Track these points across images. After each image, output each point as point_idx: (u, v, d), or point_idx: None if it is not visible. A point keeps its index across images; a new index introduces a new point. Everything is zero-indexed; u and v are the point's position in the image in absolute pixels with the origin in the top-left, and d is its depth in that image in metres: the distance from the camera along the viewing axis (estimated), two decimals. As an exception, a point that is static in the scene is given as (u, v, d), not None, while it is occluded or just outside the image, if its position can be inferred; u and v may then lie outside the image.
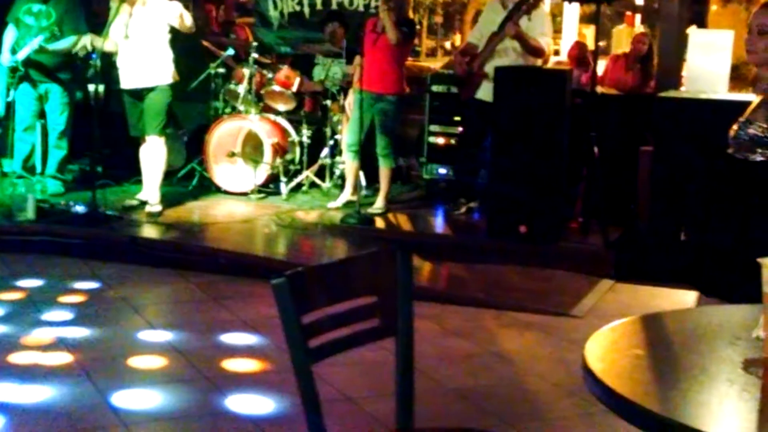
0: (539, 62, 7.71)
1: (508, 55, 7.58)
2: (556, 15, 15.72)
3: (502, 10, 7.64)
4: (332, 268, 2.78)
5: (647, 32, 10.22)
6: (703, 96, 6.68)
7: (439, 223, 8.10)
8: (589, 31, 14.25)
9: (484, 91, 7.64)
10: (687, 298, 5.99)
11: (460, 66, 7.87)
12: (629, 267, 6.73)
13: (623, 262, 6.77)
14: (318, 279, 2.63)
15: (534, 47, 7.46)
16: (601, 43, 10.09)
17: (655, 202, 6.84)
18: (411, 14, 8.02)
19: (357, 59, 7.90)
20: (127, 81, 7.67)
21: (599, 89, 8.43)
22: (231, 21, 10.84)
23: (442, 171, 8.71)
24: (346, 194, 8.10)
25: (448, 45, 20.51)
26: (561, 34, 15.00)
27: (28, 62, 8.08)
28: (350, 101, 8.19)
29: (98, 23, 8.64)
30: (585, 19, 15.52)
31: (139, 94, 7.68)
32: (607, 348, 2.44)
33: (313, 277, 2.62)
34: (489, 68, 7.53)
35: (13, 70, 8.09)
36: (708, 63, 6.91)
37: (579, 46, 10.44)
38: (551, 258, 6.92)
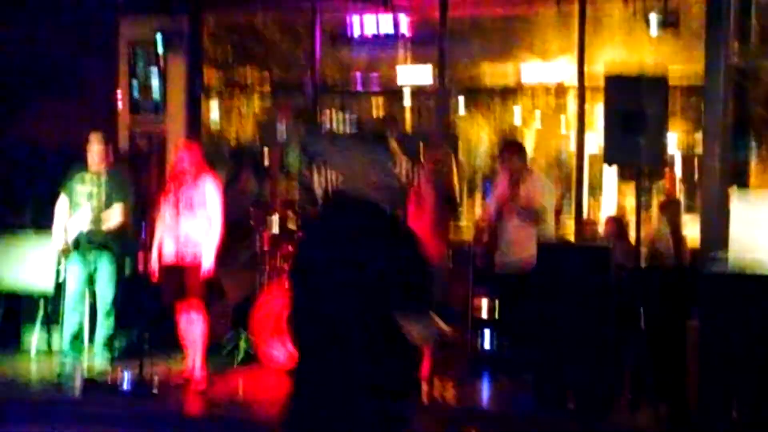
0: (551, 224, 8.05)
1: (515, 225, 7.87)
2: (594, 186, 15.78)
3: (508, 184, 8.01)
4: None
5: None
6: (749, 272, 6.67)
7: (485, 395, 8.05)
8: (629, 188, 14.21)
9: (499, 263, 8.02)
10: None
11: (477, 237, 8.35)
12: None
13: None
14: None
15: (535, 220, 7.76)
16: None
17: (705, 378, 6.77)
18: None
19: None
20: (171, 254, 7.79)
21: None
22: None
23: (487, 341, 8.68)
24: None
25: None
26: (599, 203, 15.01)
27: (78, 237, 8.26)
28: None
29: (148, 196, 8.91)
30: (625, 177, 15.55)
31: (181, 267, 7.78)
32: None
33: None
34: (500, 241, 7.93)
35: (65, 250, 8.27)
36: (752, 225, 6.88)
37: (615, 222, 10.32)
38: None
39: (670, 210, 9.82)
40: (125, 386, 7.62)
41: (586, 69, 9.51)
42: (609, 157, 7.88)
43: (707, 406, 6.67)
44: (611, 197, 13.82)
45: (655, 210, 9.92)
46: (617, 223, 10.20)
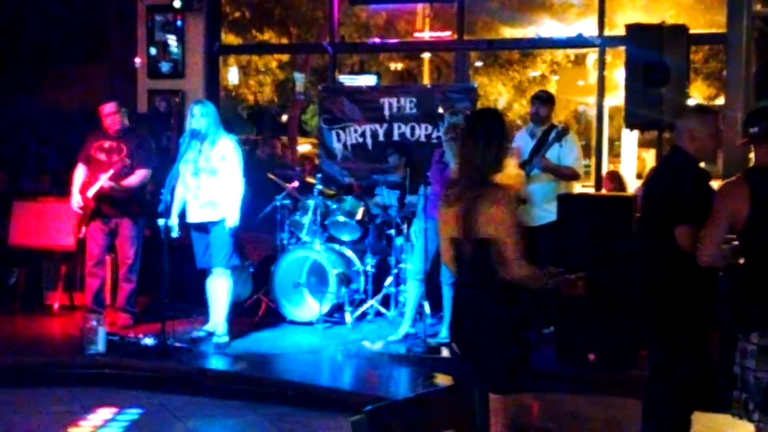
0: (575, 184, 8.15)
1: (541, 179, 7.92)
2: (614, 140, 15.74)
3: (531, 139, 8.10)
4: (411, 404, 2.77)
5: None
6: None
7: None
8: (649, 155, 14.24)
9: (523, 216, 7.87)
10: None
11: None
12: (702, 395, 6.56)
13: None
14: (397, 415, 2.62)
15: (566, 174, 7.85)
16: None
17: (727, 336, 6.69)
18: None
19: (422, 188, 7.95)
20: (194, 215, 7.81)
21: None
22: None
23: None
24: (406, 325, 8.05)
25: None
26: (620, 158, 14.99)
27: (99, 197, 8.27)
28: (415, 230, 8.22)
29: (168, 158, 8.90)
30: (644, 143, 15.52)
31: (206, 228, 7.80)
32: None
33: (392, 413, 2.61)
34: (524, 193, 7.79)
35: (85, 206, 8.27)
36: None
37: (613, 178, 10.05)
38: (623, 386, 6.77)
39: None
40: (146, 344, 7.63)
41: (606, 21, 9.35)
42: (630, 111, 7.79)
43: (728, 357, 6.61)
44: (631, 151, 13.75)
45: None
46: (616, 179, 10.03)
